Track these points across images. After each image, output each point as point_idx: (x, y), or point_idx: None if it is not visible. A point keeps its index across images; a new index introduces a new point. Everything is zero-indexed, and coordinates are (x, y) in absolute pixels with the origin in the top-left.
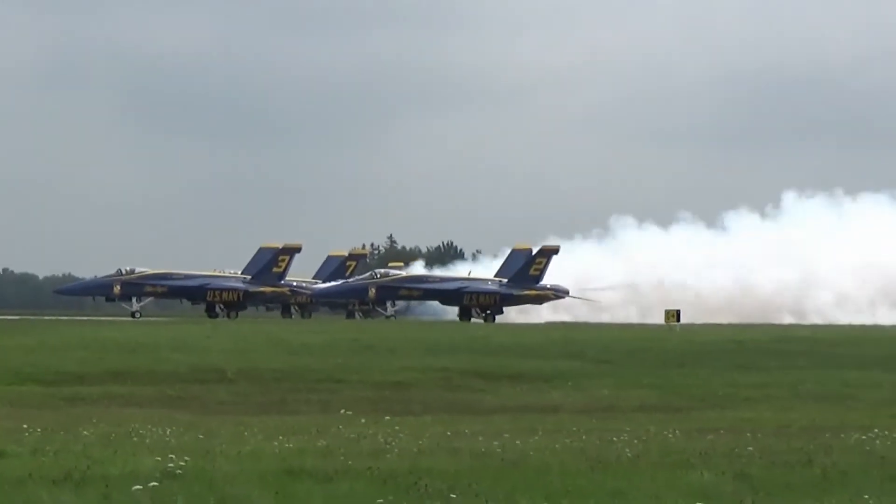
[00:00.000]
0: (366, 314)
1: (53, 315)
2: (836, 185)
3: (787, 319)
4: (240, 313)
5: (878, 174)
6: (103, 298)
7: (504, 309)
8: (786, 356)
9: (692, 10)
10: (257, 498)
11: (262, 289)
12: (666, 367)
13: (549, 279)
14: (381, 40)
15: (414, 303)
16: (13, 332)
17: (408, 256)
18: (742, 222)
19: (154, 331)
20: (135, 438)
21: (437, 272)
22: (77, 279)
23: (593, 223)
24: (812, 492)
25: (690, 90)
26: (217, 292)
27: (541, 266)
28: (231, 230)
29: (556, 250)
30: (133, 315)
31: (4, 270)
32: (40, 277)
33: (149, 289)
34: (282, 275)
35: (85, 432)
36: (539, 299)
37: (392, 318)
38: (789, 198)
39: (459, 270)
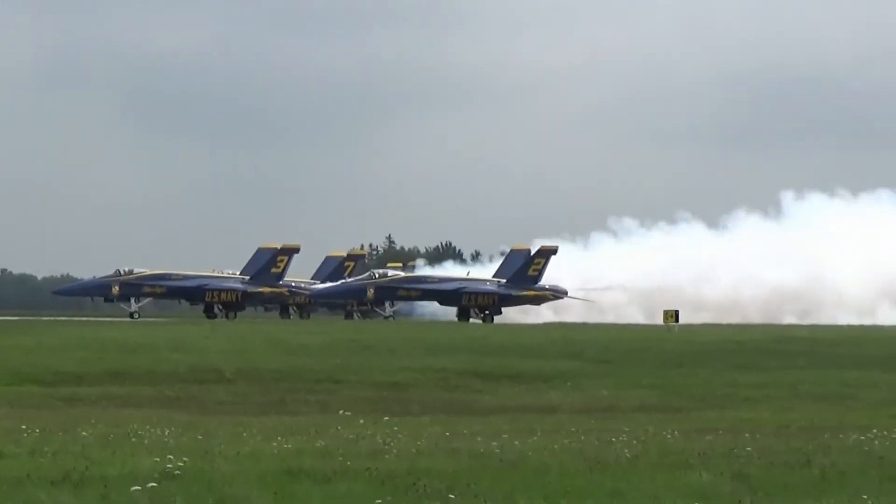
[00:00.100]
0: (364, 315)
1: (52, 315)
2: (836, 185)
3: (788, 319)
4: (238, 314)
5: (878, 174)
6: (102, 299)
7: (503, 309)
8: (785, 356)
9: (692, 10)
10: (256, 498)
11: (260, 289)
12: (665, 367)
13: (547, 279)
14: (381, 40)
15: (409, 303)
16: (12, 333)
17: (406, 257)
18: (742, 222)
19: (152, 331)
20: (133, 439)
21: (436, 272)
22: (76, 280)
23: (593, 223)
24: (811, 492)
25: (690, 90)
26: (215, 293)
27: (539, 266)
28: (230, 230)
29: (554, 251)
30: (131, 315)
31: (3, 271)
32: (39, 278)
33: (147, 289)
34: (280, 275)
35: (83, 433)
36: (537, 300)
37: (390, 319)
38: (789, 198)
39: (450, 270)
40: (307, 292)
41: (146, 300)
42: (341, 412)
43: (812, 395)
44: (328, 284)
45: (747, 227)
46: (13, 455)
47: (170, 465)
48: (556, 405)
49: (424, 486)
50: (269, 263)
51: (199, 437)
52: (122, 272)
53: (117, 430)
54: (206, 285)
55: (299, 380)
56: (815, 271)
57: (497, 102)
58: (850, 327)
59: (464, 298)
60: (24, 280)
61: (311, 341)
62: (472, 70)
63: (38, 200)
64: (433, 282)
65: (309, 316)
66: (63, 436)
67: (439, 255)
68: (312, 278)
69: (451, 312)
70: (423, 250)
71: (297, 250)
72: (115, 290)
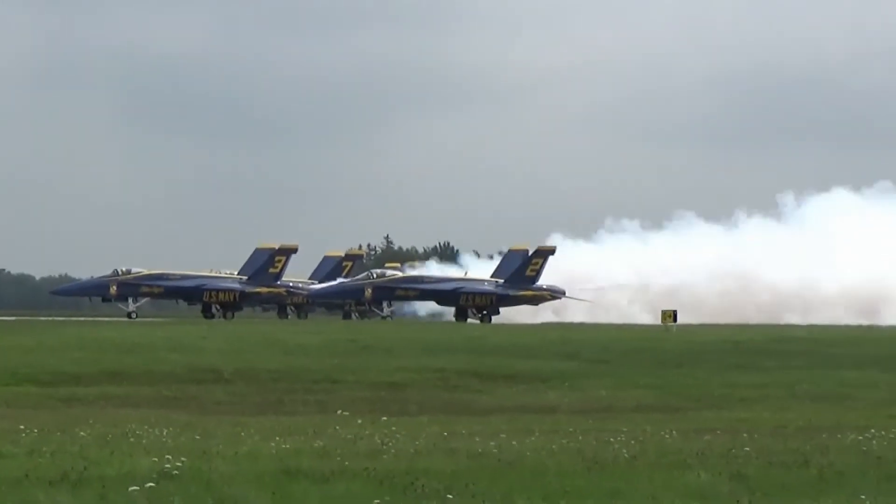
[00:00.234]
0: (362, 315)
1: (50, 316)
2: (836, 185)
3: (788, 319)
4: (236, 314)
5: (878, 174)
6: (100, 299)
7: (500, 309)
8: (783, 356)
9: (692, 10)
10: (254, 498)
11: (258, 289)
12: (663, 367)
13: (545, 279)
14: (380, 40)
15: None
16: (10, 333)
17: (405, 257)
18: (742, 222)
19: (150, 331)
20: (131, 439)
21: (434, 272)
22: (74, 280)
23: (593, 223)
24: (809, 492)
25: (690, 90)
26: (213, 293)
27: (537, 267)
28: (228, 230)
29: (552, 251)
30: (129, 316)
31: (1, 271)
32: (37, 278)
33: (145, 289)
34: (278, 275)
35: (81, 433)
36: (535, 300)
37: (388, 319)
38: (789, 198)
39: (438, 268)
40: (305, 292)
41: (144, 300)
42: (339, 412)
43: (810, 395)
44: (326, 284)
45: (747, 227)
46: (11, 455)
47: (168, 465)
48: (555, 405)
49: (422, 486)
50: (266, 263)
51: (197, 437)
52: (120, 272)
53: (115, 430)
54: (204, 285)
55: (297, 380)
56: (815, 271)
57: (497, 102)
58: (849, 327)
59: (461, 298)
60: (23, 280)
61: (309, 341)
62: (471, 70)
63: (36, 200)
64: (431, 282)
65: (307, 316)
66: (61, 436)
67: (438, 255)
68: (310, 278)
69: (448, 312)
70: (421, 250)
71: (294, 250)
72: (113, 290)
